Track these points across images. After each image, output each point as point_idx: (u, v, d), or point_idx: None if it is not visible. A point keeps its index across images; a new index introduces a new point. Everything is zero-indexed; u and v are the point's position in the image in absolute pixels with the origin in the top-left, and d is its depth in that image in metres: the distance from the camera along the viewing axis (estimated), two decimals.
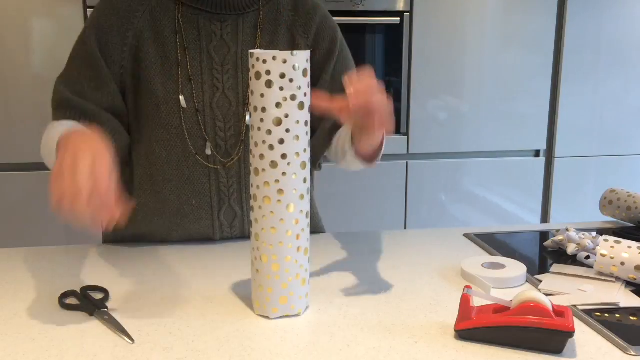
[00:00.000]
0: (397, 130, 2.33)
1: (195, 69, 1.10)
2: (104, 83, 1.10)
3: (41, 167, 2.09)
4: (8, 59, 2.05)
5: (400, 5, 2.25)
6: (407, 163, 2.35)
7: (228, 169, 1.14)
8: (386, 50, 2.28)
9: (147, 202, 1.16)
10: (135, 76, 1.11)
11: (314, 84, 1.15)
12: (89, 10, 2.05)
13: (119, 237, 1.20)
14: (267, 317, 0.86)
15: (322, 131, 1.16)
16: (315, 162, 1.21)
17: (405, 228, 2.40)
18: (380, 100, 0.86)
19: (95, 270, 1.05)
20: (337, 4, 2.18)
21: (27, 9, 2.03)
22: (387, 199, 2.37)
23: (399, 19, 2.24)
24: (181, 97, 1.09)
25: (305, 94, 0.83)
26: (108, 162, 0.80)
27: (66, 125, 1.02)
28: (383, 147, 1.02)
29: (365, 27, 2.25)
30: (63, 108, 1.10)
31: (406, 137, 2.33)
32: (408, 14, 2.26)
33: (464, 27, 2.30)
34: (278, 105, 0.81)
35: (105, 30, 1.09)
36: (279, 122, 0.82)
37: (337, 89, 1.12)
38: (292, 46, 1.15)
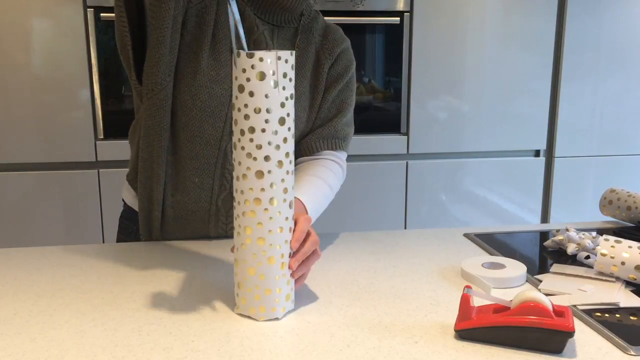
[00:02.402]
0: (397, 130, 2.33)
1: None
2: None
3: (41, 167, 2.10)
4: (8, 59, 2.05)
5: (400, 5, 2.25)
6: (407, 163, 2.35)
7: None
8: (386, 50, 2.28)
9: (152, 167, 1.15)
10: (187, 38, 1.11)
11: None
12: (89, 10, 2.06)
13: (127, 213, 1.24)
14: (276, 319, 0.86)
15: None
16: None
17: (405, 228, 2.40)
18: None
19: (95, 271, 1.05)
20: (337, 4, 2.18)
21: (27, 9, 2.03)
22: (387, 199, 2.37)
23: (399, 19, 2.24)
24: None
25: (294, 91, 0.85)
26: None
27: None
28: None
29: (365, 27, 2.25)
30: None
31: (406, 137, 2.33)
32: (408, 14, 2.26)
33: (464, 27, 2.30)
34: (282, 105, 0.81)
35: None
36: (283, 122, 0.82)
37: (332, 111, 1.23)
38: (317, 66, 1.20)
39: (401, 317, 0.87)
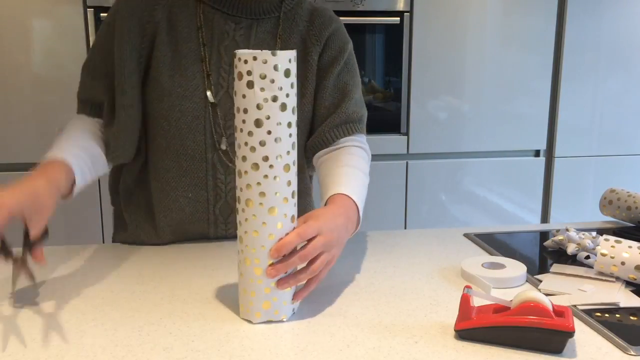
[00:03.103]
0: (397, 130, 2.33)
1: (206, 66, 1.12)
2: (124, 73, 1.09)
3: None
4: (8, 59, 2.05)
5: (400, 5, 2.25)
6: (407, 163, 2.35)
7: (226, 165, 1.14)
8: (386, 50, 2.28)
9: (145, 194, 1.16)
10: (146, 66, 1.11)
11: (318, 87, 1.17)
12: (89, 10, 2.06)
13: (121, 238, 1.22)
14: (250, 322, 0.85)
15: (321, 133, 1.17)
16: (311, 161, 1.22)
17: (405, 228, 2.40)
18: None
19: (95, 270, 1.05)
20: (337, 4, 2.18)
21: (27, 9, 2.03)
22: (387, 199, 2.37)
23: (399, 19, 2.24)
24: (208, 93, 1.11)
25: (287, 95, 0.81)
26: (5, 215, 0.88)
27: (68, 139, 1.08)
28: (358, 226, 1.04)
29: (365, 27, 2.25)
30: (83, 103, 1.16)
31: (406, 137, 2.33)
32: (408, 14, 2.26)
33: (464, 27, 2.30)
34: (259, 106, 0.80)
35: (127, 18, 1.09)
36: (259, 124, 0.80)
37: (337, 96, 1.17)
38: (305, 55, 1.16)
39: (401, 317, 0.87)
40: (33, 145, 2.09)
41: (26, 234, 0.92)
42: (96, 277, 1.02)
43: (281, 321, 0.85)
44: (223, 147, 1.13)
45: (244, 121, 0.81)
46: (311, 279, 0.88)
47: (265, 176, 0.81)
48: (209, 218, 1.16)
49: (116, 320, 0.86)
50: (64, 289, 0.97)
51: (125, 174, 1.19)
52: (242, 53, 0.80)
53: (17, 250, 0.91)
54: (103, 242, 2.20)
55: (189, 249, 1.15)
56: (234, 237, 1.19)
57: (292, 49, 1.13)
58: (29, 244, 0.90)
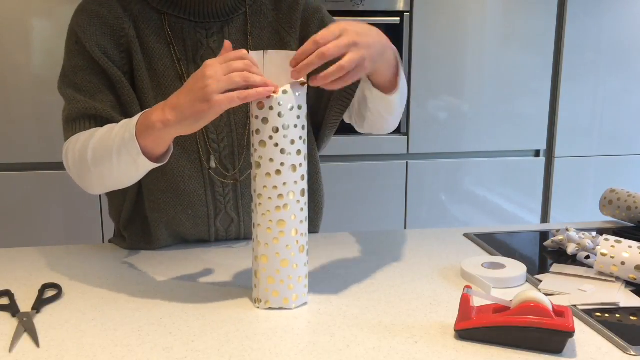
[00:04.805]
0: (397, 130, 2.33)
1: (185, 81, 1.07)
2: (124, 89, 1.06)
3: (41, 167, 2.10)
4: (8, 59, 2.05)
5: (400, 5, 2.25)
6: (407, 163, 2.35)
7: (222, 177, 1.12)
8: None
9: (143, 212, 1.14)
10: (132, 86, 1.08)
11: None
12: None
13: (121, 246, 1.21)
14: (269, 309, 0.88)
15: (334, 101, 1.14)
16: (322, 141, 1.21)
17: (405, 228, 2.40)
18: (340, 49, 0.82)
19: (95, 271, 1.05)
20: (337, 4, 2.17)
21: (27, 9, 2.03)
22: (387, 199, 2.37)
23: (399, 19, 2.24)
24: None
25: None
26: None
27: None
28: (400, 69, 0.97)
29: None
30: (80, 120, 1.04)
31: (406, 137, 2.33)
32: (408, 14, 2.26)
33: (464, 27, 2.30)
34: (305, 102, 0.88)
35: (98, 36, 1.05)
36: (305, 118, 0.88)
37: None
38: (281, 45, 1.13)
39: (401, 317, 0.87)
40: (33, 145, 2.09)
41: (40, 294, 0.93)
42: (96, 277, 1.02)
43: (292, 310, 0.89)
44: (212, 164, 1.10)
45: (298, 117, 0.86)
46: (338, 79, 0.84)
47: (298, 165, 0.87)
48: (210, 231, 1.16)
49: (116, 320, 0.86)
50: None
51: (121, 197, 1.15)
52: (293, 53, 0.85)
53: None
54: (103, 242, 2.20)
55: (189, 250, 1.15)
56: (234, 239, 1.20)
57: (265, 44, 1.11)
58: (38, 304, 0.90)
